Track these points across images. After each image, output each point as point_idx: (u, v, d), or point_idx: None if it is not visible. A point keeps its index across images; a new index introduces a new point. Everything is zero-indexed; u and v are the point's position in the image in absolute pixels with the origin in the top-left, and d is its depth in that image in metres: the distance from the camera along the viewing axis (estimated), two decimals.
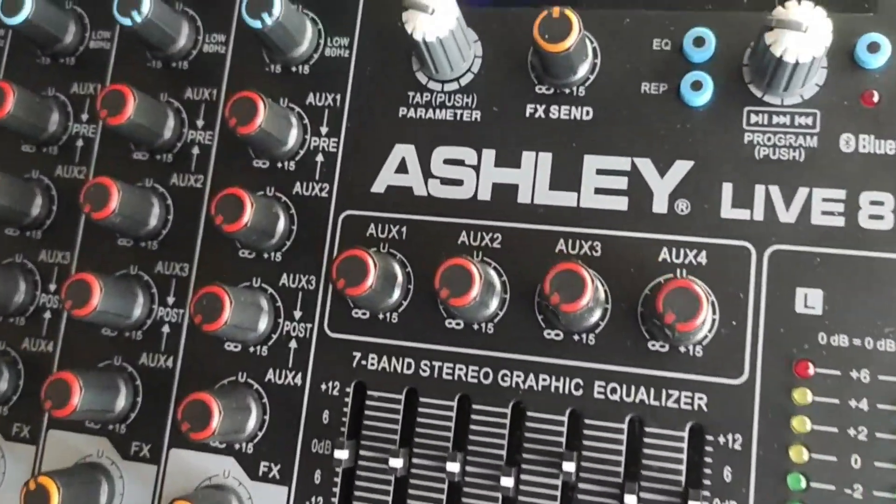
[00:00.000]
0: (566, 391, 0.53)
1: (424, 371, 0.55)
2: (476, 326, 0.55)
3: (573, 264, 0.49)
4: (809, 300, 0.51)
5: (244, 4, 0.56)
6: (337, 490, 0.55)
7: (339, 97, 0.60)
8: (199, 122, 0.62)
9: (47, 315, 0.62)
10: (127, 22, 0.59)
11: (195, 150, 0.62)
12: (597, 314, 0.53)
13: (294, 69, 0.61)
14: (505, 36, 0.58)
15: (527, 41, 0.58)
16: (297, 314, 0.58)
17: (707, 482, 0.50)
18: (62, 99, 0.65)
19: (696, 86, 0.54)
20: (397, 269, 0.56)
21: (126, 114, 0.57)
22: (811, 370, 0.50)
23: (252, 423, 0.56)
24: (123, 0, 0.59)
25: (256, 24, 0.56)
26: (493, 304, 0.54)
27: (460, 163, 0.57)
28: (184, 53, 0.63)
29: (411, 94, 0.59)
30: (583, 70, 0.56)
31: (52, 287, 0.63)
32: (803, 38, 0.48)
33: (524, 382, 0.54)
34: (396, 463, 0.53)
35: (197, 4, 0.64)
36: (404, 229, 0.58)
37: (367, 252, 0.53)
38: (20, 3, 0.61)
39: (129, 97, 0.58)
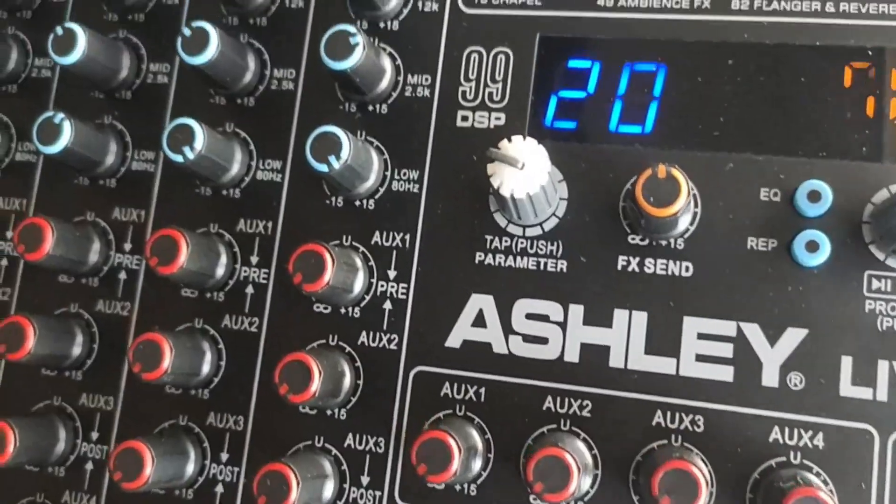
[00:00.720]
0: None
1: None
2: None
3: (685, 463, 0.45)
4: None
5: (309, 147, 0.51)
6: None
7: (408, 237, 0.55)
8: (254, 259, 0.57)
9: (89, 466, 0.58)
10: (179, 159, 0.53)
11: (249, 290, 0.57)
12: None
13: (358, 203, 0.56)
14: (595, 177, 0.53)
15: (618, 183, 0.53)
16: (365, 480, 0.53)
17: None
18: (102, 225, 0.60)
19: (812, 246, 0.49)
20: (476, 437, 0.51)
21: (178, 263, 0.52)
22: None
23: None
24: (174, 134, 0.53)
25: (322, 167, 0.51)
26: (585, 483, 0.49)
27: (545, 318, 0.52)
28: (236, 181, 0.58)
29: (489, 237, 0.54)
30: (683, 223, 0.51)
31: (95, 435, 0.58)
32: None
33: None
34: None
35: (251, 127, 0.58)
36: (482, 391, 0.53)
37: (451, 435, 0.48)
38: (58, 131, 0.56)
39: (182, 243, 0.53)
